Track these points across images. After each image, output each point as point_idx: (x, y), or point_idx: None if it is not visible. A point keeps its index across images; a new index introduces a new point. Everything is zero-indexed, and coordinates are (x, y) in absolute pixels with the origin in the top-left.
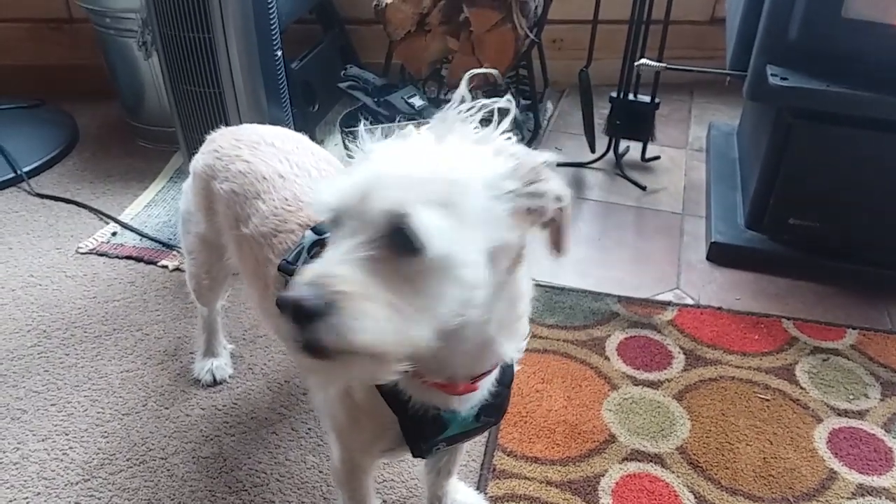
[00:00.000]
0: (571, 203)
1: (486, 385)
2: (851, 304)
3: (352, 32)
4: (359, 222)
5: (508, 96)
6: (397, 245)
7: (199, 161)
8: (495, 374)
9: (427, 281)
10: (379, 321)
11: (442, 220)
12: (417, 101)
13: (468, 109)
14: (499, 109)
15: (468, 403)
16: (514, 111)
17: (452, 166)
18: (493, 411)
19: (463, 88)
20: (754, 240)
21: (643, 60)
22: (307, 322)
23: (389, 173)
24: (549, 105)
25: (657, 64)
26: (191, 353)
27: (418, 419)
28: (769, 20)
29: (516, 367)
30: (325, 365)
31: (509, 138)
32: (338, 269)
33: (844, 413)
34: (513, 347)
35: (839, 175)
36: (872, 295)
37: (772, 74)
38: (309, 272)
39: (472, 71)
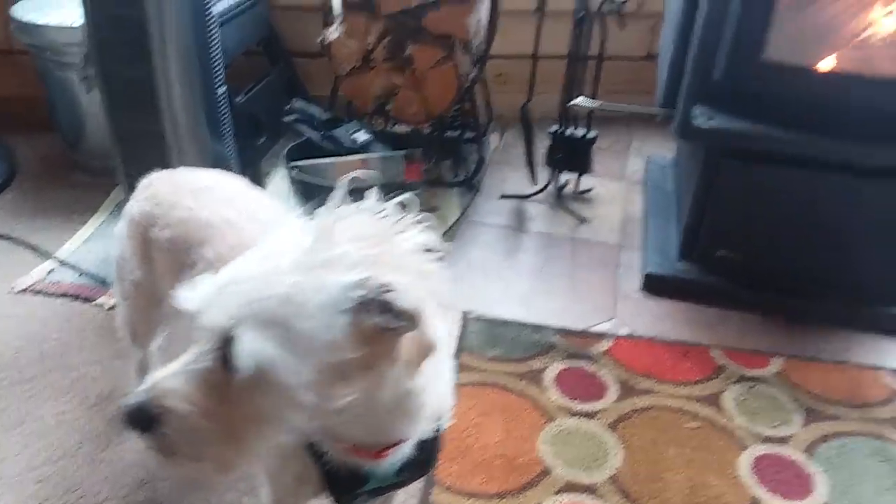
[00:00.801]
0: (427, 321)
1: (404, 448)
2: (776, 332)
3: (299, 65)
4: (202, 331)
5: (411, 193)
6: (228, 360)
7: (134, 208)
8: (413, 440)
9: (253, 398)
10: (199, 438)
11: (267, 342)
12: (362, 136)
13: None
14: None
15: (388, 461)
16: (414, 206)
17: (295, 282)
18: (415, 468)
19: (341, 192)
20: (686, 271)
21: (577, 100)
22: (140, 432)
23: (231, 287)
24: (494, 138)
25: (590, 103)
26: (127, 394)
27: (335, 472)
28: (695, 62)
29: (446, 424)
30: (169, 461)
31: (417, 224)
32: (173, 381)
33: (768, 440)
34: (420, 429)
35: (764, 210)
36: (796, 323)
37: (698, 115)
38: (148, 382)
39: (351, 174)
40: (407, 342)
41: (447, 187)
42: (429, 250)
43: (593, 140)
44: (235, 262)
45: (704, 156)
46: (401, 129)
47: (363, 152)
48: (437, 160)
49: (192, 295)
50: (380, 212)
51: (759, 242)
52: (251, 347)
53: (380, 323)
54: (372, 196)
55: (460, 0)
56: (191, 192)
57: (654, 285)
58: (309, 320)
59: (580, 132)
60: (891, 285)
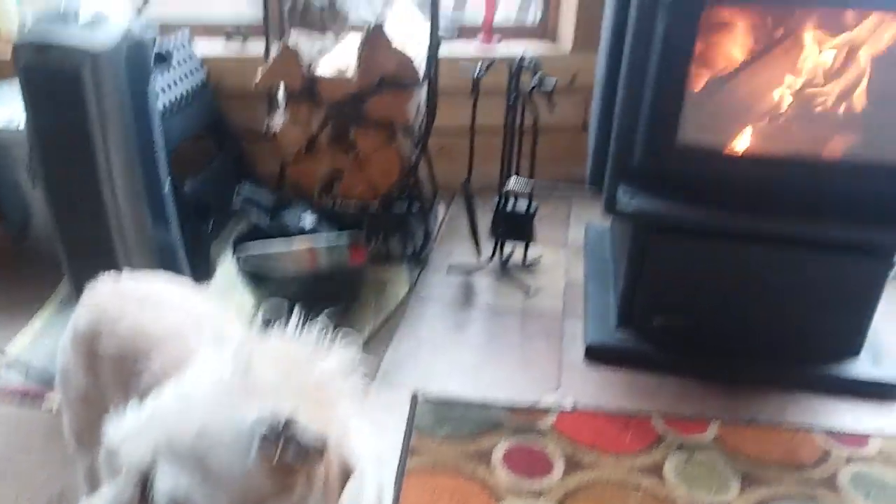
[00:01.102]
0: (339, 448)
1: None
2: (713, 396)
3: (248, 145)
4: (126, 462)
5: (330, 311)
6: (148, 492)
7: (80, 319)
8: None
9: None
10: None
11: (183, 477)
12: (309, 219)
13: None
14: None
15: None
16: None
17: (209, 415)
18: None
19: (259, 321)
20: (625, 339)
21: (511, 182)
22: None
23: (150, 421)
24: (441, 210)
25: (523, 185)
26: (74, 500)
27: None
28: (616, 146)
29: None
30: None
31: (338, 345)
32: None
33: None
34: None
35: (694, 278)
36: (732, 387)
37: (622, 194)
38: None
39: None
40: (324, 466)
41: (396, 262)
42: (349, 370)
43: (534, 212)
44: (157, 392)
45: (633, 230)
46: (348, 206)
47: (310, 235)
48: (385, 236)
49: (117, 427)
50: (300, 335)
51: (692, 309)
52: (168, 483)
53: (287, 456)
54: (293, 319)
55: (399, 88)
56: (136, 301)
57: (596, 354)
58: (223, 453)
59: (522, 204)
60: (818, 345)
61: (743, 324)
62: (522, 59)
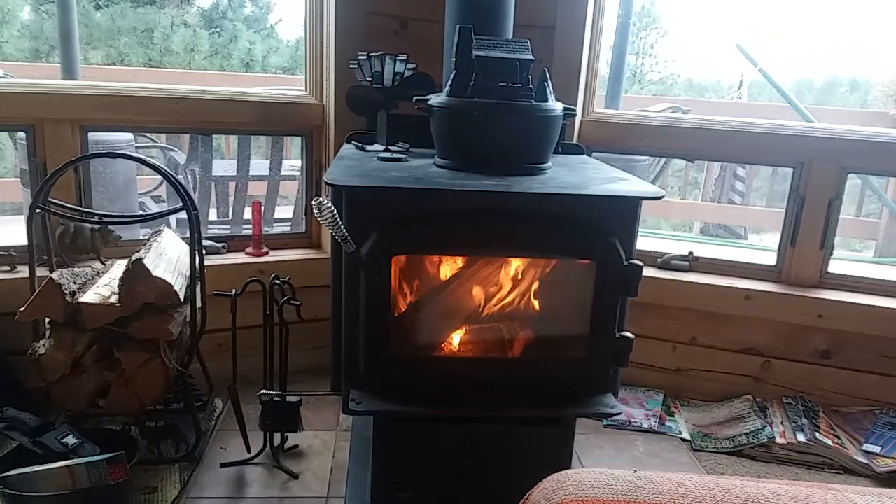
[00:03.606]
0: None
1: None
2: None
3: (13, 363)
4: None
5: None
6: None
7: None
8: None
9: None
10: None
11: None
12: (71, 440)
13: None
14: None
15: None
16: None
17: None
18: None
19: None
20: None
21: (261, 393)
22: None
23: None
24: (219, 403)
25: (273, 394)
26: None
27: None
28: (346, 360)
29: None
30: None
31: None
32: None
33: None
34: None
35: (425, 456)
36: None
37: (353, 399)
38: None
39: None
40: None
41: (168, 465)
42: None
43: (298, 402)
44: None
45: (374, 420)
46: (115, 421)
47: (72, 456)
48: (155, 442)
49: None
50: None
51: (430, 483)
52: None
53: None
54: None
55: (161, 310)
56: None
57: None
58: None
59: (286, 396)
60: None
61: (472, 490)
62: (276, 277)
